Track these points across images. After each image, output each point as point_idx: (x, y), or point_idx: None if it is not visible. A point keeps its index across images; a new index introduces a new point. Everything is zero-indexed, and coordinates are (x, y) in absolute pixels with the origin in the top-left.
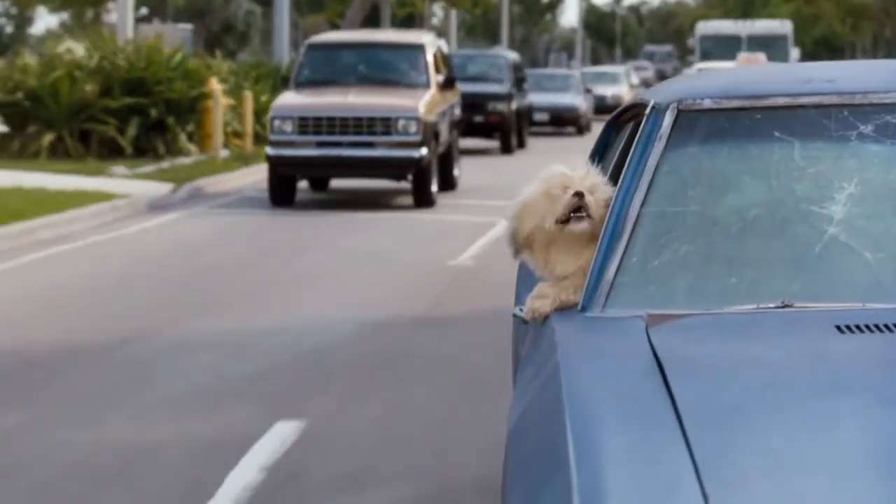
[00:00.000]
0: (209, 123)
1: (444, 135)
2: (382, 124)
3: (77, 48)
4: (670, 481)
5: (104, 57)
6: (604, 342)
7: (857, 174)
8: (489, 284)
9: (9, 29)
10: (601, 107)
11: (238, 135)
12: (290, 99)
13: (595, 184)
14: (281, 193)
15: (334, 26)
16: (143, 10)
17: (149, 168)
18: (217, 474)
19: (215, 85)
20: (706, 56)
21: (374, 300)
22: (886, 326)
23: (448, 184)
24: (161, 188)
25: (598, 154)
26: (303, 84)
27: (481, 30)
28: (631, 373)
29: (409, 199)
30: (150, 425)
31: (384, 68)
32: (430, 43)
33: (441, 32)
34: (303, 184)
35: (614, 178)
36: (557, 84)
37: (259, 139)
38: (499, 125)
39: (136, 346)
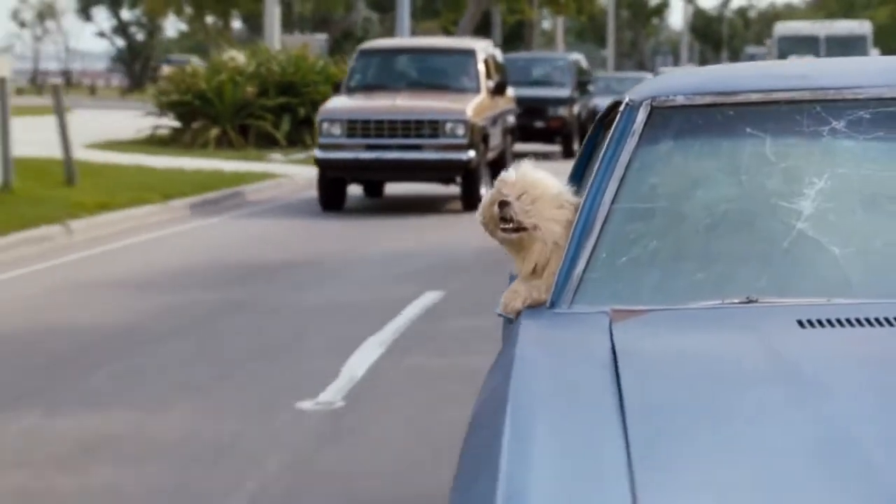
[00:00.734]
0: None
1: (496, 140)
2: (430, 127)
3: (238, 56)
4: (600, 472)
5: (260, 63)
6: (564, 337)
7: (828, 169)
8: None
9: (140, 36)
10: None
11: None
12: (339, 103)
13: (527, 186)
14: (330, 198)
15: (448, 33)
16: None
17: (300, 155)
18: (396, 312)
19: None
20: (784, 57)
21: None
22: (848, 321)
23: None
24: (311, 170)
25: (587, 152)
26: (354, 89)
27: (590, 34)
28: (583, 366)
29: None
30: (352, 294)
31: (434, 73)
32: (482, 49)
33: (550, 38)
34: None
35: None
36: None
37: None
38: (560, 129)
39: (347, 257)
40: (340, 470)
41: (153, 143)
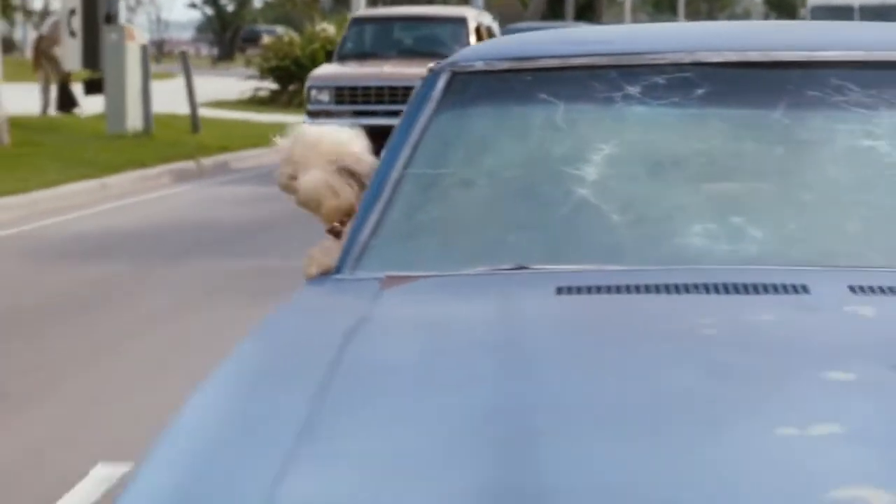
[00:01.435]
0: None
1: None
2: None
3: (329, 28)
4: (264, 441)
5: None
6: (326, 304)
7: (617, 136)
8: None
9: (230, 7)
10: None
11: None
12: (327, 70)
13: (334, 151)
14: None
15: (525, 6)
16: None
17: None
18: None
19: None
20: None
21: None
22: (608, 288)
23: None
24: None
25: None
26: (345, 56)
27: (666, 4)
28: (322, 334)
29: None
30: None
31: (425, 41)
32: (473, 16)
33: (621, 7)
34: None
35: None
36: None
37: None
38: None
39: None
40: None
41: (255, 102)
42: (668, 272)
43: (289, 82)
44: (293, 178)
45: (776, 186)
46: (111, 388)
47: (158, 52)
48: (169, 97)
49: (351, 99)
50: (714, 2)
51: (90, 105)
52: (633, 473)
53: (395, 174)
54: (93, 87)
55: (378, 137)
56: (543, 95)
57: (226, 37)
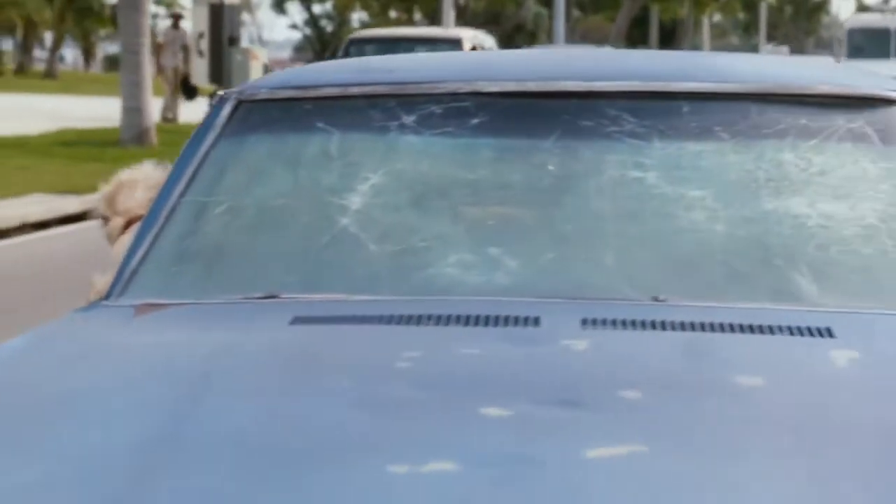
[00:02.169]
0: None
1: None
2: None
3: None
4: None
5: None
6: (70, 329)
7: (387, 165)
8: None
9: (329, 28)
10: None
11: None
12: None
13: (133, 181)
14: None
15: (605, 30)
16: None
17: None
18: None
19: None
20: (856, 53)
21: None
22: (342, 319)
23: None
24: None
25: None
26: None
27: (756, 28)
28: (44, 359)
29: None
30: None
31: None
32: (469, 38)
33: (720, 32)
34: None
35: None
36: None
37: None
38: None
39: None
40: None
41: None
42: (411, 303)
43: None
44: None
45: (538, 217)
46: None
47: (266, 70)
48: None
49: None
50: (800, 25)
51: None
52: None
53: (171, 202)
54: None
55: None
56: (321, 124)
57: (325, 56)
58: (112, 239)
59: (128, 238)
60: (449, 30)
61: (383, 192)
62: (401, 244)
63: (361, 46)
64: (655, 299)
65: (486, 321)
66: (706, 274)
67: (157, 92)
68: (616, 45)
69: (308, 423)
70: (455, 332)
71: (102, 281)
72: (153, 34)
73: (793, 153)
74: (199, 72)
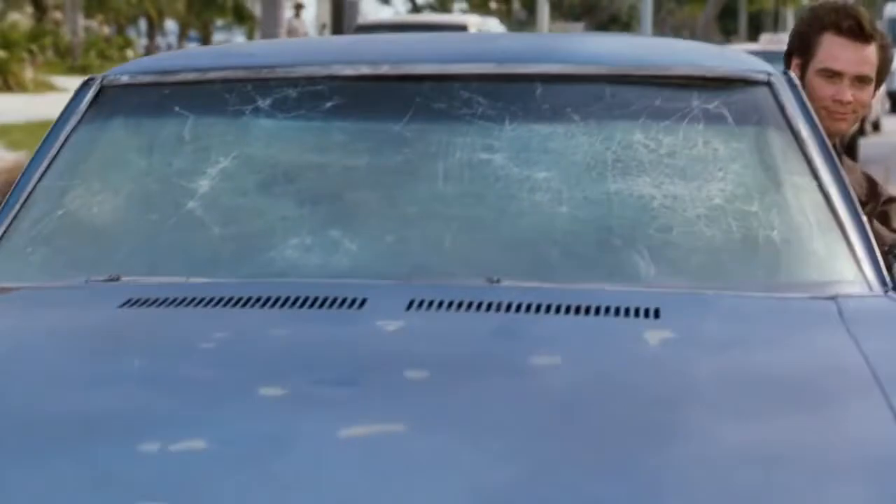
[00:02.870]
0: None
1: None
2: None
3: None
4: None
5: None
6: None
7: (238, 149)
8: None
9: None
10: None
11: None
12: None
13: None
14: None
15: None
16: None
17: None
18: None
19: None
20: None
21: None
22: (172, 301)
23: None
24: None
25: None
26: None
27: None
28: None
29: None
30: None
31: None
32: (475, 24)
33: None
34: None
35: None
36: None
37: None
38: None
39: None
40: None
41: None
42: (243, 285)
43: None
44: None
45: (383, 200)
46: None
47: None
48: None
49: None
50: (871, 12)
51: None
52: None
53: (29, 186)
54: None
55: None
56: (178, 108)
57: None
58: None
59: None
60: (454, 16)
61: (232, 176)
62: (244, 227)
63: (366, 33)
64: (490, 281)
65: (313, 303)
66: (544, 255)
67: None
68: (704, 36)
69: (81, 403)
70: (275, 314)
71: None
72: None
73: (643, 134)
74: None
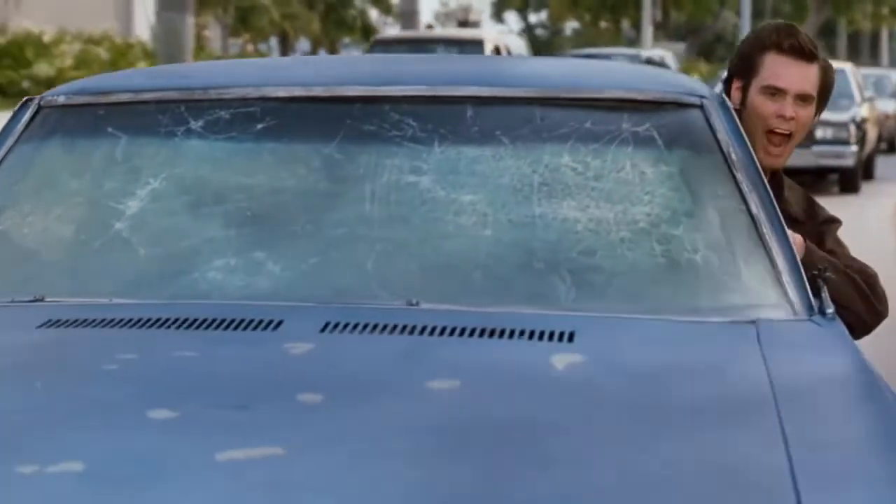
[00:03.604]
0: None
1: None
2: None
3: None
4: None
5: None
6: None
7: (169, 170)
8: None
9: (543, 36)
10: None
11: None
12: None
13: None
14: None
15: None
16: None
17: None
18: None
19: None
20: None
21: None
22: (91, 322)
23: None
24: None
25: None
26: None
27: None
28: None
29: None
30: None
31: None
32: (492, 39)
33: None
34: None
35: None
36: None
37: None
38: None
39: None
40: None
41: None
42: (163, 307)
43: None
44: None
45: (310, 222)
46: None
47: None
48: None
49: None
50: None
51: None
52: None
53: None
54: None
55: None
56: (111, 129)
57: None
58: None
59: None
60: (471, 31)
61: (161, 197)
62: (170, 248)
63: (382, 47)
64: (410, 304)
65: (228, 325)
66: (466, 278)
67: None
68: None
69: None
70: (188, 335)
71: None
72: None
73: (571, 157)
74: None
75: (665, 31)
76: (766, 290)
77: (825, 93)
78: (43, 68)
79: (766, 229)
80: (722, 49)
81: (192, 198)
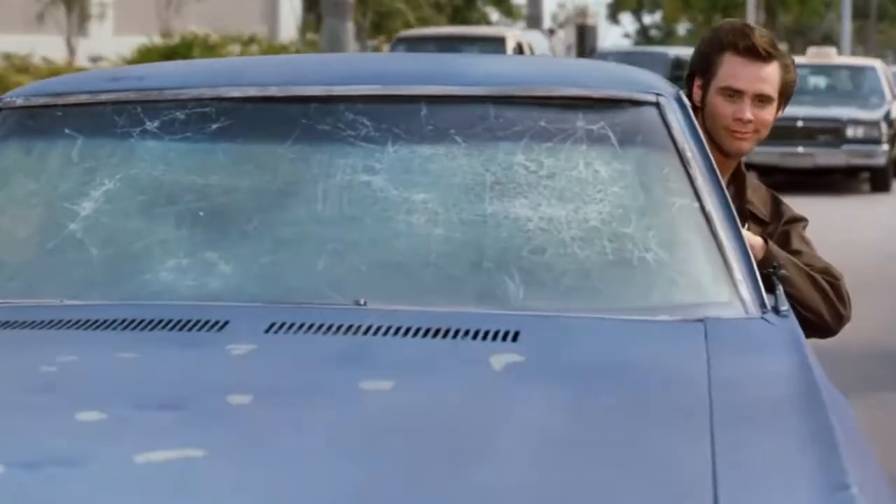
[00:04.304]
0: None
1: None
2: None
3: None
4: None
5: None
6: None
7: (124, 171)
8: None
9: (657, 37)
10: None
11: None
12: None
13: None
14: None
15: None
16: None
17: None
18: None
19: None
20: None
21: None
22: (39, 324)
23: None
24: None
25: None
26: None
27: None
28: None
29: None
30: None
31: None
32: (513, 36)
33: None
34: None
35: None
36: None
37: None
38: None
39: None
40: None
41: None
42: (111, 308)
43: None
44: None
45: (262, 222)
46: None
47: None
48: None
49: None
50: None
51: None
52: None
53: None
54: None
55: None
56: (68, 131)
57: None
58: None
59: None
60: (492, 28)
61: (116, 198)
62: (123, 249)
63: (408, 44)
64: (357, 303)
65: (174, 326)
66: (415, 278)
67: None
68: None
69: None
70: (132, 336)
71: None
72: None
73: (525, 156)
74: None
75: (774, 32)
76: (717, 287)
77: (787, 91)
78: None
79: (720, 227)
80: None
81: (147, 198)
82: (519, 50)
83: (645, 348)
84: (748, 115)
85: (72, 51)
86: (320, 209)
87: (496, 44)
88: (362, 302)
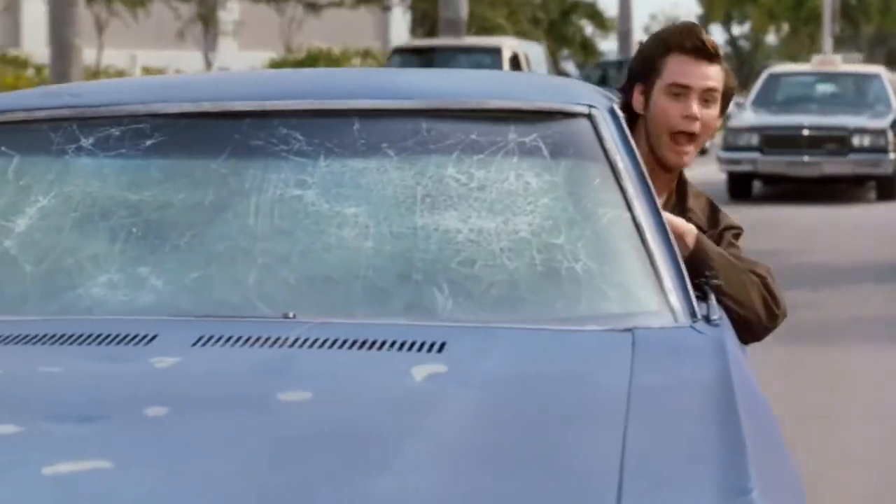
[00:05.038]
0: None
1: None
2: None
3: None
4: None
5: None
6: None
7: (58, 187)
8: None
9: (746, 47)
10: None
11: None
12: None
13: None
14: None
15: None
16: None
17: None
18: None
19: None
20: None
21: None
22: None
23: None
24: None
25: None
26: None
27: None
28: None
29: None
30: None
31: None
32: (510, 46)
33: None
34: None
35: None
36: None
37: None
38: None
39: None
40: None
41: None
42: (41, 323)
43: None
44: None
45: (194, 237)
46: None
47: None
48: None
49: None
50: None
51: None
52: None
53: None
54: None
55: None
56: (4, 148)
57: (743, 71)
58: None
59: None
60: (488, 39)
61: (50, 215)
62: (56, 265)
63: (402, 56)
64: (286, 316)
65: (102, 340)
66: (344, 290)
67: None
68: None
69: None
70: (58, 351)
71: None
72: None
73: (456, 168)
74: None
75: (854, 43)
76: (647, 297)
77: (728, 96)
78: None
79: (651, 237)
80: None
81: (81, 215)
82: (515, 60)
83: (569, 358)
84: (695, 110)
85: (209, 65)
86: (252, 223)
87: (492, 54)
88: (291, 315)
